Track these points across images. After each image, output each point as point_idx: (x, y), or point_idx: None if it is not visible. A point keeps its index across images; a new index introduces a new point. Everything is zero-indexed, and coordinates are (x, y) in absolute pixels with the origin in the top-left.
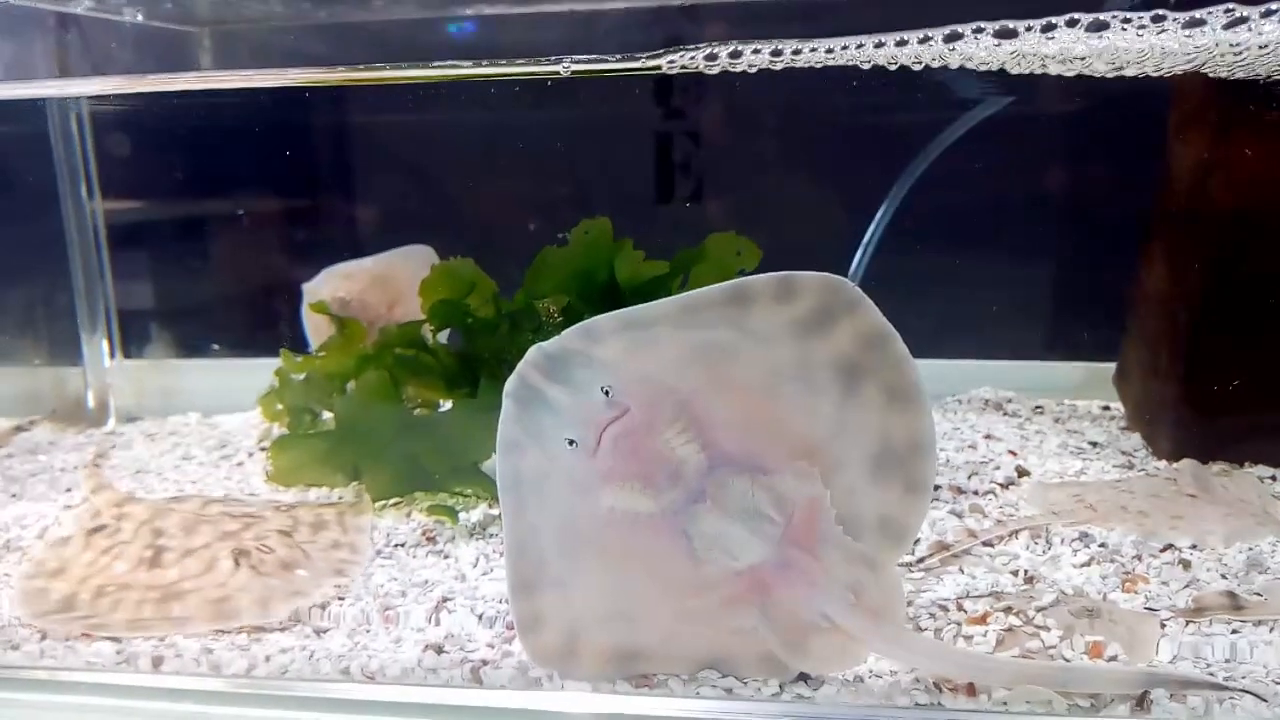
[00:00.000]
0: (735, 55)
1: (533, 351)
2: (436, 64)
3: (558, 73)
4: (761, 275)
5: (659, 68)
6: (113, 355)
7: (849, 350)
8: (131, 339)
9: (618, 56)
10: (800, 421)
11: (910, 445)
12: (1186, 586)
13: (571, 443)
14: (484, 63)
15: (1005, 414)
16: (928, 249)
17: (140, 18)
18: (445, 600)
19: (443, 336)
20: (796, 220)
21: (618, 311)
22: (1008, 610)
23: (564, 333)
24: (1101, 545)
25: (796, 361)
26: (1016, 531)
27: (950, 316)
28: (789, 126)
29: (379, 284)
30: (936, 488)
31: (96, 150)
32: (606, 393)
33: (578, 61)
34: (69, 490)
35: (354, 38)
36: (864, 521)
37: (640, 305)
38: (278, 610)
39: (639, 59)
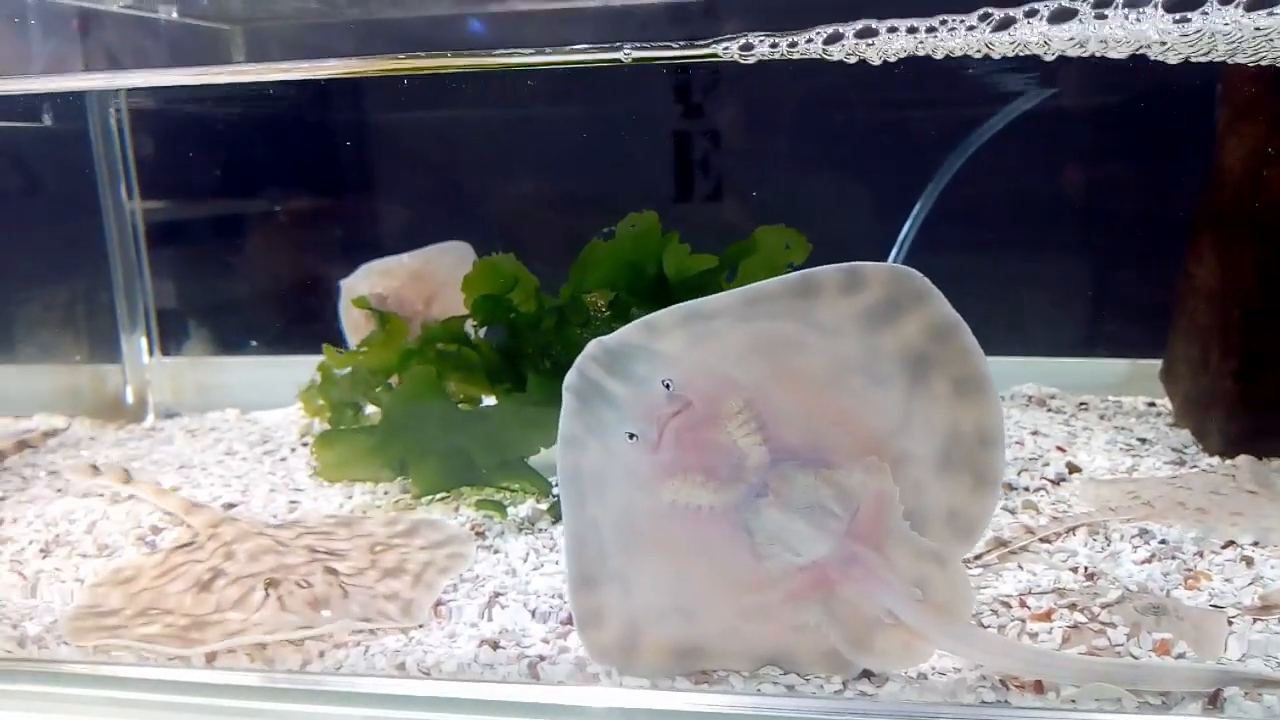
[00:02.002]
0: (792, 45)
1: (593, 345)
2: (497, 53)
3: (620, 60)
4: (827, 266)
5: (715, 55)
6: (151, 352)
7: (917, 341)
8: (169, 336)
9: (680, 43)
10: (866, 414)
11: (979, 437)
12: (1251, 584)
13: (632, 436)
14: (546, 51)
15: (1050, 410)
16: (967, 244)
17: (175, 15)
18: (497, 595)
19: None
20: (832, 216)
21: (679, 305)
22: (1072, 607)
23: (625, 327)
24: (1162, 542)
25: (863, 353)
26: (1074, 528)
27: (990, 313)
28: (824, 120)
29: (416, 280)
30: None
31: (135, 149)
32: (667, 386)
33: (640, 48)
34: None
35: (382, 34)
36: (931, 515)
37: (702, 298)
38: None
39: (703, 44)
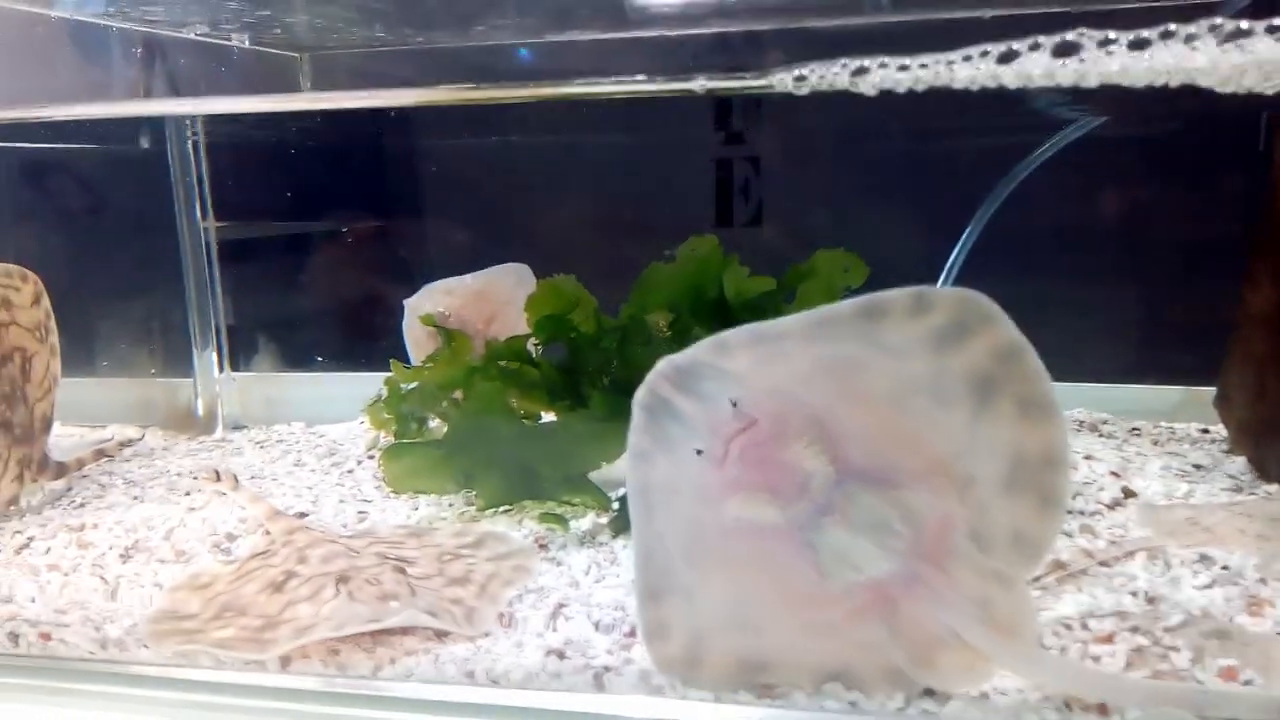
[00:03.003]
0: (860, 71)
1: (663, 363)
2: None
3: (693, 90)
4: (894, 290)
5: (784, 83)
6: (221, 367)
7: (983, 363)
8: (239, 352)
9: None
10: (931, 434)
11: (1044, 458)
12: None
13: (699, 452)
14: (624, 79)
15: (1102, 435)
16: (1018, 269)
17: (246, 43)
18: (561, 606)
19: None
20: (883, 241)
21: (747, 325)
22: (1134, 630)
23: (694, 345)
24: (1224, 568)
25: (929, 375)
26: (1133, 552)
27: (1041, 338)
28: (875, 147)
29: (478, 299)
30: None
31: (210, 172)
32: (735, 404)
33: (713, 78)
34: (187, 494)
35: (443, 61)
36: (996, 536)
37: (770, 320)
38: (347, 628)
39: (775, 74)
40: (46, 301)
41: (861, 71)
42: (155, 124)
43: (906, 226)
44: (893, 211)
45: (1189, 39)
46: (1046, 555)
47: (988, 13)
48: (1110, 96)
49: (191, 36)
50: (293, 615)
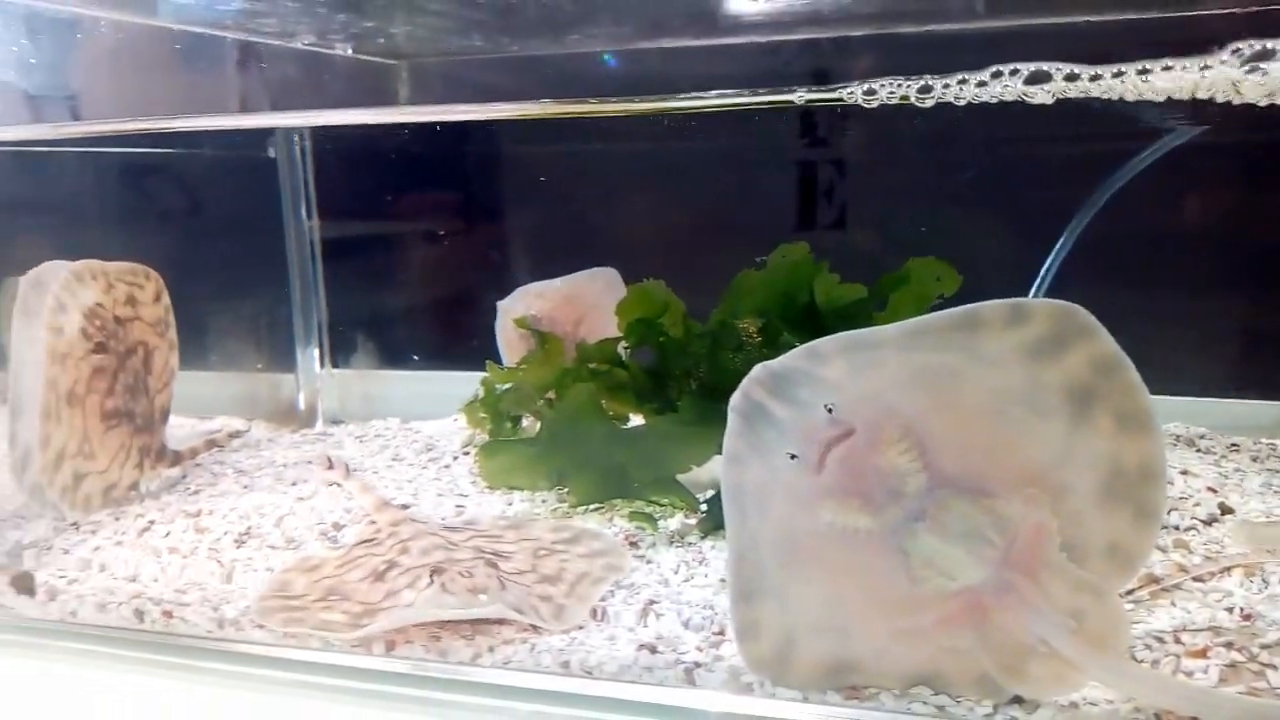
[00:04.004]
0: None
1: (758, 369)
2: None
3: (792, 102)
4: (992, 301)
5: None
6: (322, 364)
7: (1081, 376)
8: (338, 349)
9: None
10: (1027, 445)
11: (1141, 471)
12: None
13: (793, 457)
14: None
15: (1199, 450)
16: (1114, 279)
17: (350, 52)
18: (652, 603)
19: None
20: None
21: (842, 333)
22: (1229, 646)
23: (789, 352)
24: None
25: (1025, 386)
26: (1229, 568)
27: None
28: (968, 154)
29: (567, 302)
30: None
31: (315, 175)
32: (830, 410)
33: (814, 90)
34: (294, 484)
35: (539, 69)
36: (1091, 547)
37: (865, 329)
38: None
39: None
40: (167, 298)
41: (983, 83)
42: (266, 130)
43: (1000, 234)
44: (986, 219)
45: None
46: (1141, 568)
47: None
48: (1211, 103)
49: (299, 46)
50: (391, 604)
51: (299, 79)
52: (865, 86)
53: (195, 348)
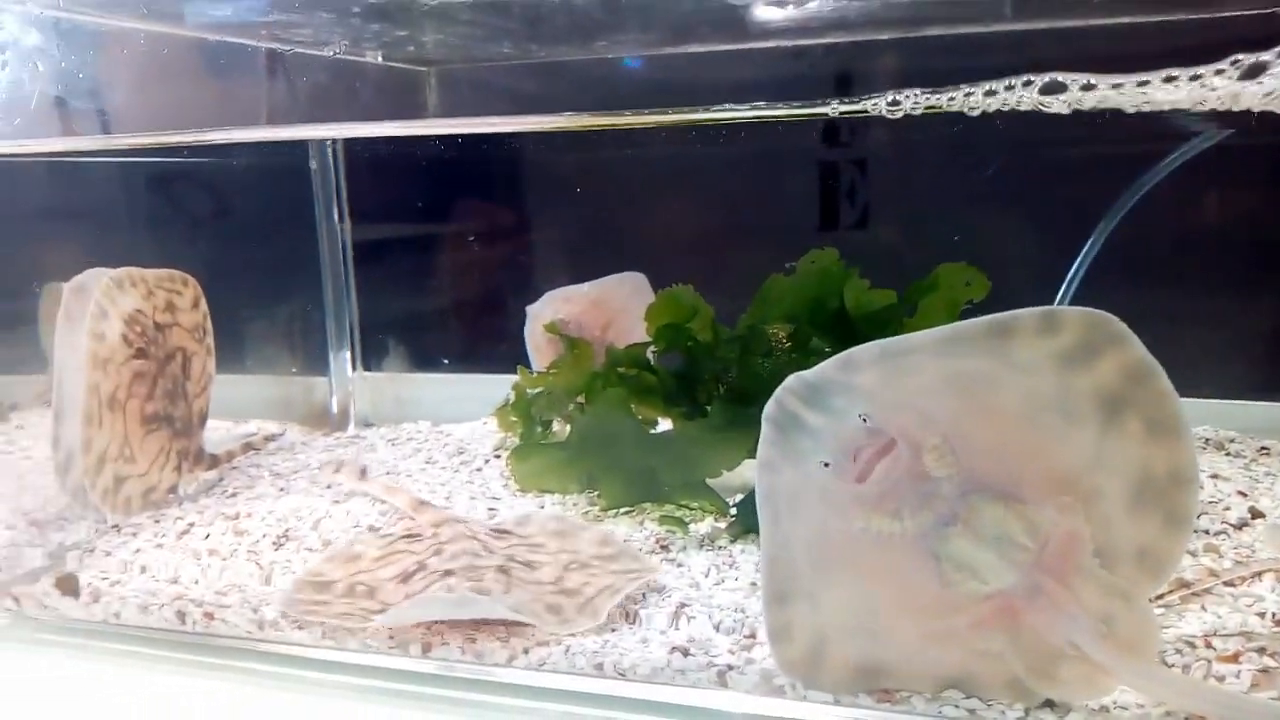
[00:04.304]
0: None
1: (793, 379)
2: (715, 108)
3: (823, 114)
4: (1024, 309)
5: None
6: (355, 367)
7: (1112, 383)
8: (370, 353)
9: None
10: (1058, 451)
11: (1172, 477)
12: None
13: (826, 465)
14: (761, 105)
15: (1229, 454)
16: (1143, 282)
17: (380, 59)
18: (684, 606)
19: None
20: (1003, 253)
21: (875, 342)
22: (1261, 651)
23: (824, 362)
24: None
25: (1057, 393)
26: (1260, 573)
27: (1166, 353)
28: (995, 158)
29: (595, 307)
30: None
31: (347, 180)
32: (864, 420)
33: (845, 102)
34: (329, 486)
35: (566, 75)
36: (1121, 552)
37: (898, 336)
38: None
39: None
40: (204, 304)
41: (1027, 87)
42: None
43: (1029, 237)
44: (1014, 222)
45: None
46: (1172, 573)
47: (1106, 20)
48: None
49: (331, 55)
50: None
51: (331, 86)
52: (890, 98)
53: (231, 352)
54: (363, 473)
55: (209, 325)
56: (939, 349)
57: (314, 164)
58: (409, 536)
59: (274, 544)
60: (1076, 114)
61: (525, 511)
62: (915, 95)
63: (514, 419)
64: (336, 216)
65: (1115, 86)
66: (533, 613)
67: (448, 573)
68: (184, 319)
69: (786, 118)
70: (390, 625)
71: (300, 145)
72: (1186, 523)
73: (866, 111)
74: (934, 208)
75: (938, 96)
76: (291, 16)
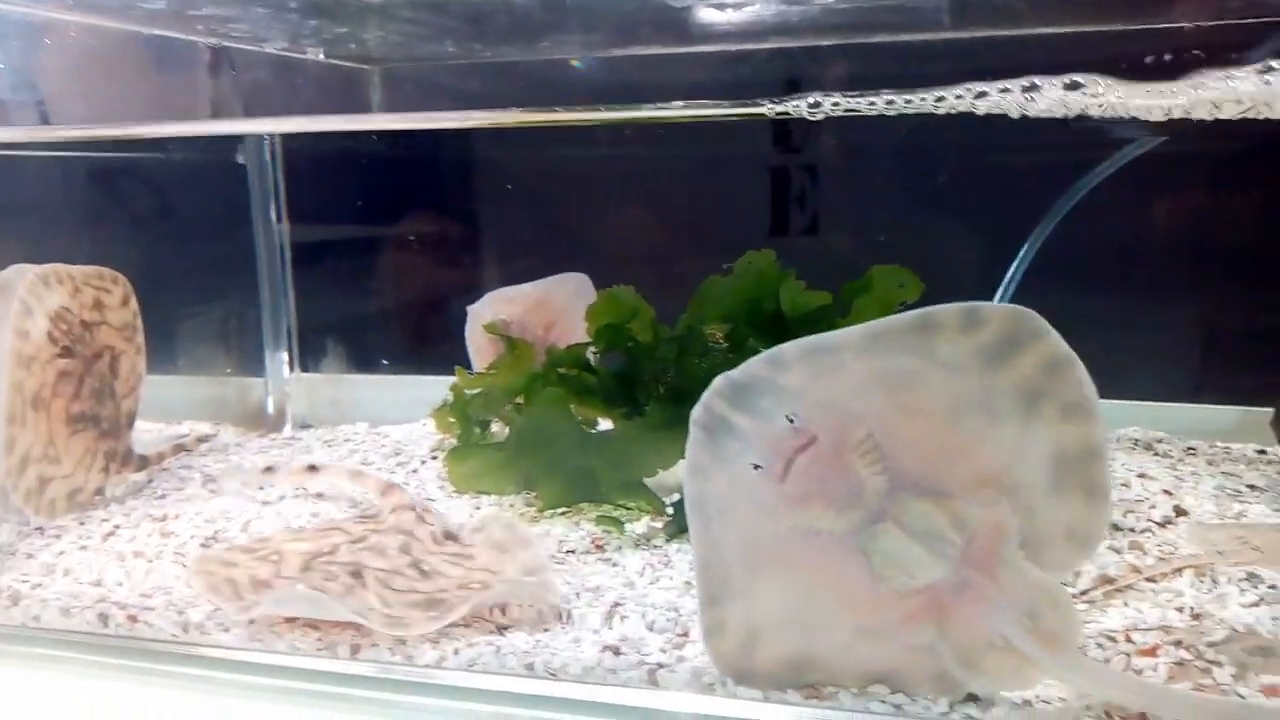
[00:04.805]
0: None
1: (719, 381)
2: (644, 107)
3: (763, 114)
4: (947, 305)
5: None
6: (291, 368)
7: (1032, 377)
8: (307, 353)
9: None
10: (982, 445)
11: (1084, 451)
12: None
13: (756, 467)
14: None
15: (1156, 454)
16: (1073, 287)
17: (322, 56)
18: (617, 605)
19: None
20: (938, 260)
21: (802, 339)
22: (1178, 644)
23: (749, 361)
24: (1271, 587)
25: (980, 388)
26: (1181, 569)
27: (1097, 356)
28: (931, 163)
29: (538, 307)
30: None
31: (285, 179)
32: (791, 420)
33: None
34: (261, 489)
35: (510, 75)
36: (1049, 536)
37: (824, 334)
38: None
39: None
40: (134, 303)
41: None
42: (237, 135)
43: (966, 242)
44: (951, 227)
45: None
46: (1099, 543)
47: (1045, 30)
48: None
49: (271, 51)
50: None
51: (270, 83)
52: (810, 100)
53: (164, 351)
54: (310, 469)
55: (139, 324)
56: (864, 346)
57: (241, 158)
58: (365, 521)
59: (201, 546)
60: (1010, 121)
61: (486, 518)
62: (835, 98)
63: (452, 420)
64: (274, 215)
65: (1068, 88)
66: (365, 618)
67: (306, 569)
68: (113, 317)
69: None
70: (259, 616)
71: (237, 141)
72: (1105, 493)
73: (789, 114)
74: (877, 211)
75: (855, 101)
76: (226, 10)
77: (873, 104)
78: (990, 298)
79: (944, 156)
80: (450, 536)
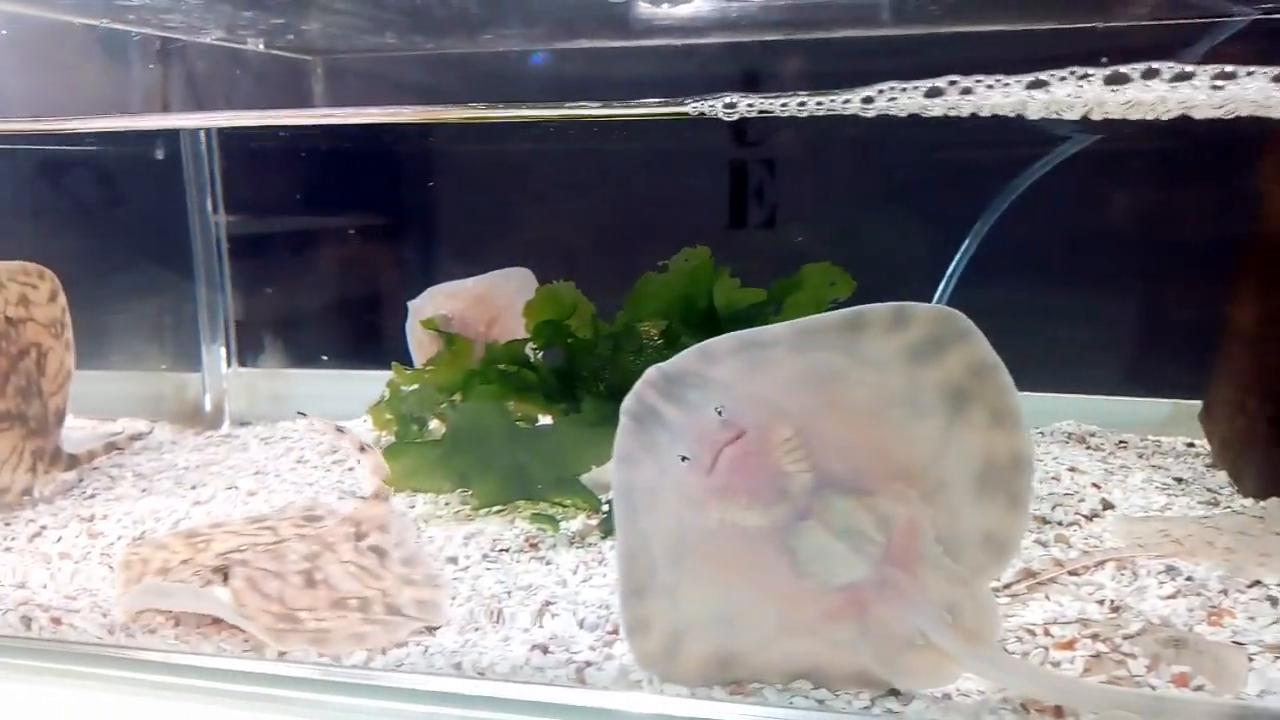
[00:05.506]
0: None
1: (651, 371)
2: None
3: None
4: (876, 304)
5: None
6: (229, 363)
7: (958, 378)
8: (246, 348)
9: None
10: (906, 445)
11: (1012, 461)
12: (1274, 623)
13: (684, 459)
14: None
15: (1089, 448)
16: (1012, 283)
17: (262, 47)
18: (549, 604)
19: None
20: (880, 254)
21: (734, 334)
22: (1094, 637)
23: (681, 354)
24: (1188, 579)
25: (906, 387)
26: (1103, 562)
27: (1032, 350)
28: (872, 160)
29: (480, 303)
30: None
31: (222, 169)
32: (720, 412)
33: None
34: (194, 487)
35: (454, 67)
36: (967, 539)
37: (755, 328)
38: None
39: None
40: (63, 298)
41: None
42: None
43: (908, 238)
44: (894, 223)
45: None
46: (1015, 553)
47: (984, 27)
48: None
49: (208, 41)
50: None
51: (208, 74)
52: (727, 99)
53: (97, 347)
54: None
55: (68, 320)
56: (795, 342)
57: (160, 154)
58: (308, 520)
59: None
60: (947, 118)
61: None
62: (750, 99)
63: (389, 417)
64: (210, 206)
65: (991, 87)
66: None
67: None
68: (39, 313)
69: (624, 118)
70: (129, 607)
71: (172, 133)
72: (1025, 503)
73: (704, 114)
74: (818, 207)
75: (769, 101)
76: (157, 1)
77: (785, 105)
78: (932, 292)
79: (888, 153)
80: (378, 551)
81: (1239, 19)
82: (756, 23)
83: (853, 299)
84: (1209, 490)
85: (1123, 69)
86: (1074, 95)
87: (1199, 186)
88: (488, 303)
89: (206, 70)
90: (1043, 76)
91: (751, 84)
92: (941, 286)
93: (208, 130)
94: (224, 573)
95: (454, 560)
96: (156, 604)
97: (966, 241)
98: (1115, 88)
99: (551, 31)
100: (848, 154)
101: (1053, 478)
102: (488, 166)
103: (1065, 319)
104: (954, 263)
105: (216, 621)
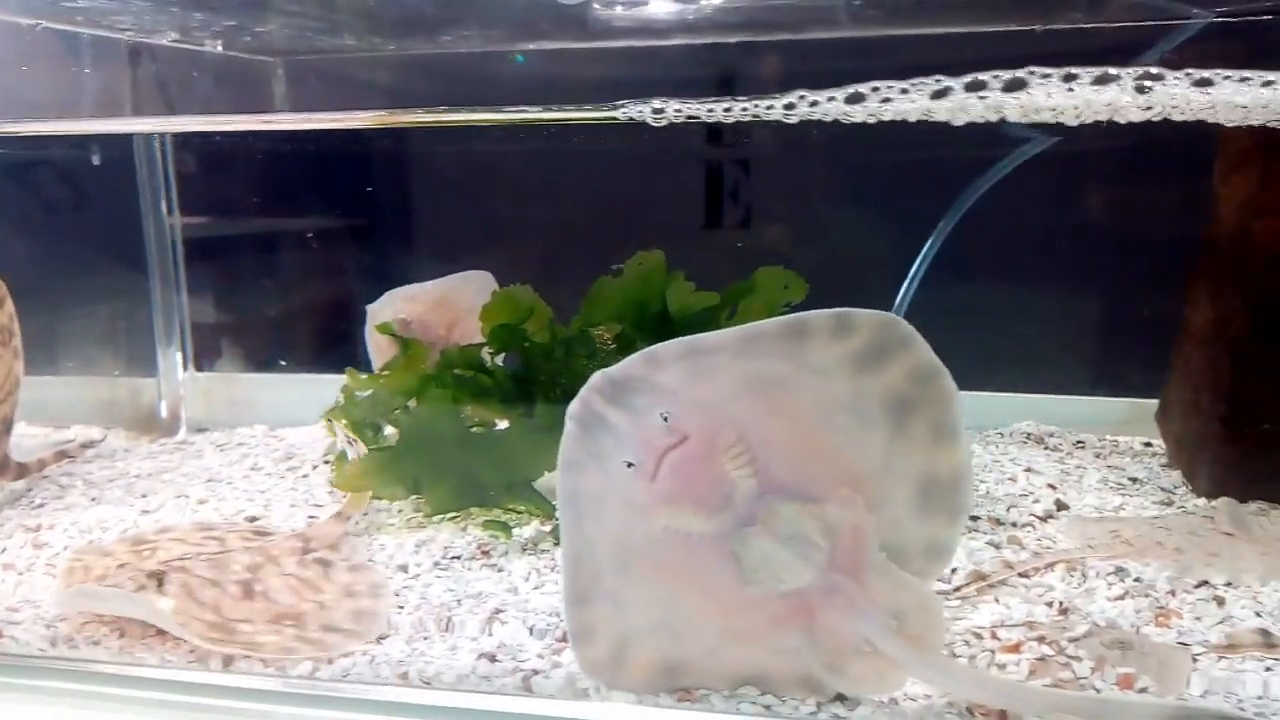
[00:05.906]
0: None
1: (597, 377)
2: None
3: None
4: (819, 310)
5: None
6: (185, 368)
7: (900, 385)
8: (203, 353)
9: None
10: (850, 452)
11: (954, 476)
12: (1220, 623)
13: (629, 465)
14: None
15: (1046, 448)
16: (972, 284)
17: (220, 48)
18: (498, 612)
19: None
20: (842, 255)
21: (680, 339)
22: (1041, 640)
23: (628, 359)
24: (1136, 580)
25: (849, 394)
26: (1053, 564)
27: (994, 350)
28: (835, 161)
29: (439, 306)
30: (975, 518)
31: (177, 175)
32: (665, 418)
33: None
34: (144, 496)
35: (417, 68)
36: (910, 547)
37: (701, 334)
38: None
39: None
40: (10, 305)
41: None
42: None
43: (872, 240)
44: (856, 225)
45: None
46: (952, 555)
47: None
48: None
49: (165, 43)
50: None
51: (165, 75)
52: (654, 105)
53: (49, 353)
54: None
55: (16, 326)
56: (739, 348)
57: (96, 159)
58: (257, 534)
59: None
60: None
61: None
62: (675, 104)
63: (343, 423)
64: (165, 209)
65: (906, 91)
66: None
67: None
68: None
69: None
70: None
71: (125, 137)
72: (966, 512)
73: (632, 119)
74: (782, 208)
75: (698, 107)
76: (104, 4)
77: (711, 111)
78: (894, 294)
79: (849, 155)
80: (324, 563)
81: (1196, 21)
82: (714, 25)
83: (814, 301)
84: (1163, 490)
85: (1075, 70)
86: (1019, 99)
87: (1156, 188)
88: (447, 306)
89: (163, 71)
90: (983, 77)
91: (695, 88)
92: (904, 287)
93: (161, 135)
94: (159, 579)
95: (404, 568)
96: (89, 608)
97: (929, 243)
98: (1071, 87)
99: (510, 33)
100: (814, 156)
101: (1009, 479)
102: (448, 169)
103: (1025, 319)
104: (916, 264)
105: (161, 632)
